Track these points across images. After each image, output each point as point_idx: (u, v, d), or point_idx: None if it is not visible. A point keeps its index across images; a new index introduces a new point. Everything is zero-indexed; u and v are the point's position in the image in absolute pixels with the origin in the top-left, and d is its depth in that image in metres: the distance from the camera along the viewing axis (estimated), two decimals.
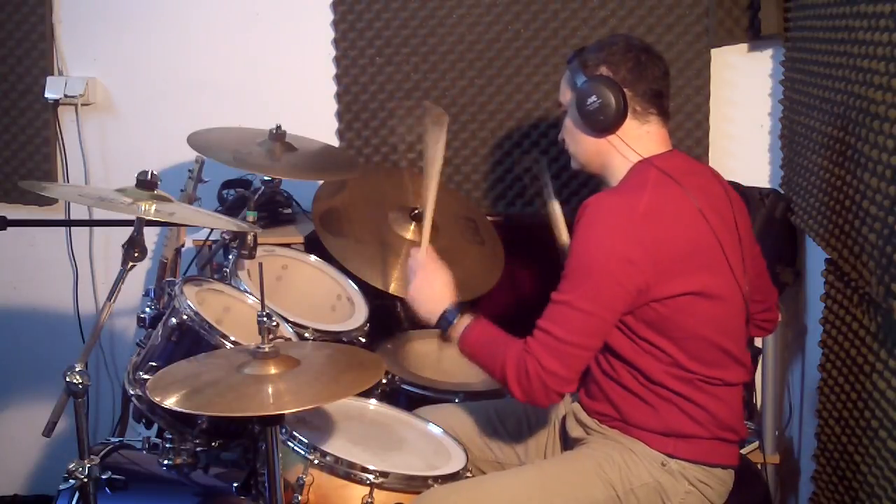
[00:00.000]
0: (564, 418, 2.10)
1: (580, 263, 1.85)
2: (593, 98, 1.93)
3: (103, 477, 1.93)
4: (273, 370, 1.71)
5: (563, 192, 2.95)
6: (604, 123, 1.95)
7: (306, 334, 2.34)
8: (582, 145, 2.01)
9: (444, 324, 2.01)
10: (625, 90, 1.93)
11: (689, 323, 1.88)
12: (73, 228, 3.23)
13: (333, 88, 3.04)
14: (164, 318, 2.22)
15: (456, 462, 2.03)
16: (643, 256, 1.82)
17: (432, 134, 2.17)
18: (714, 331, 1.90)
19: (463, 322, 1.98)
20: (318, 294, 2.62)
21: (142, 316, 2.34)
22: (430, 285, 2.06)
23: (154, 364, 2.13)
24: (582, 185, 2.93)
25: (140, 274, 3.19)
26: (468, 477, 2.00)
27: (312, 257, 2.66)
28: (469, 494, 1.92)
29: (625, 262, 1.82)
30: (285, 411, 1.66)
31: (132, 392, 2.18)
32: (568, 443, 2.08)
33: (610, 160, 1.99)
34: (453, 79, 2.97)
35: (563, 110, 2.04)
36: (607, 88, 1.92)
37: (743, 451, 2.59)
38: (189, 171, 2.67)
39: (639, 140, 1.96)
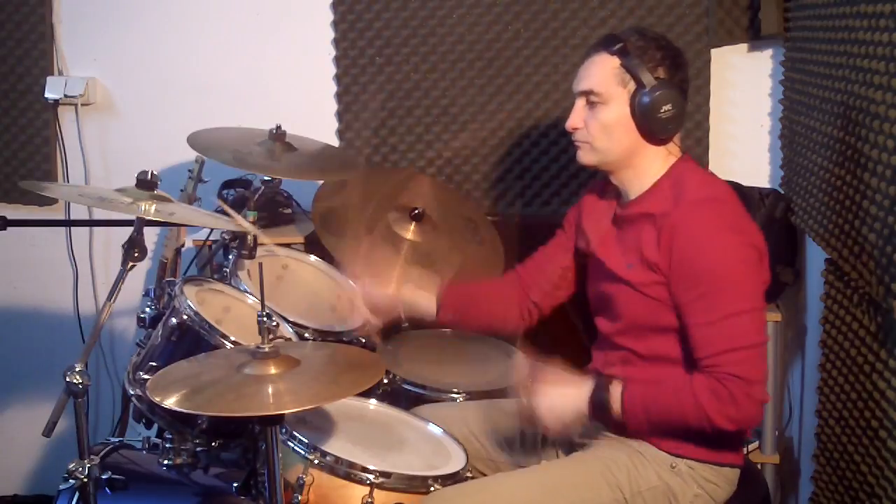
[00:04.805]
0: None
1: (721, 274, 1.82)
2: (668, 107, 1.88)
3: (103, 477, 1.93)
4: (273, 370, 1.71)
5: (563, 192, 2.96)
6: (671, 132, 1.92)
7: (306, 334, 2.34)
8: (622, 144, 1.94)
9: (601, 404, 1.87)
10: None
11: None
12: (73, 228, 3.23)
13: (333, 88, 3.04)
14: (164, 318, 2.21)
15: (456, 462, 2.03)
16: (760, 239, 1.87)
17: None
18: None
19: (615, 393, 1.87)
20: (318, 294, 2.62)
21: (142, 316, 2.34)
22: (556, 395, 1.92)
23: (154, 364, 2.13)
24: (582, 186, 2.93)
25: (140, 274, 3.19)
26: (468, 477, 2.00)
27: (312, 257, 2.66)
28: (475, 497, 1.91)
29: (752, 247, 1.85)
30: (285, 411, 1.66)
31: (132, 392, 2.17)
32: (568, 446, 2.07)
33: (645, 161, 1.96)
34: (453, 79, 2.97)
35: (586, 97, 1.96)
36: (682, 98, 1.90)
37: (743, 452, 2.59)
38: (189, 171, 2.67)
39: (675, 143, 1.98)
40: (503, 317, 2.27)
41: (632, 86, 1.91)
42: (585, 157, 1.99)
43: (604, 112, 1.94)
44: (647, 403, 1.85)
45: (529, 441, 2.15)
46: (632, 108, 1.91)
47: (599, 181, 2.14)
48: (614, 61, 1.92)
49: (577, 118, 1.98)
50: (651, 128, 1.90)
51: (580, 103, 1.98)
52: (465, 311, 2.28)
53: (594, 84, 1.94)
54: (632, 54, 1.90)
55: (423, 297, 2.27)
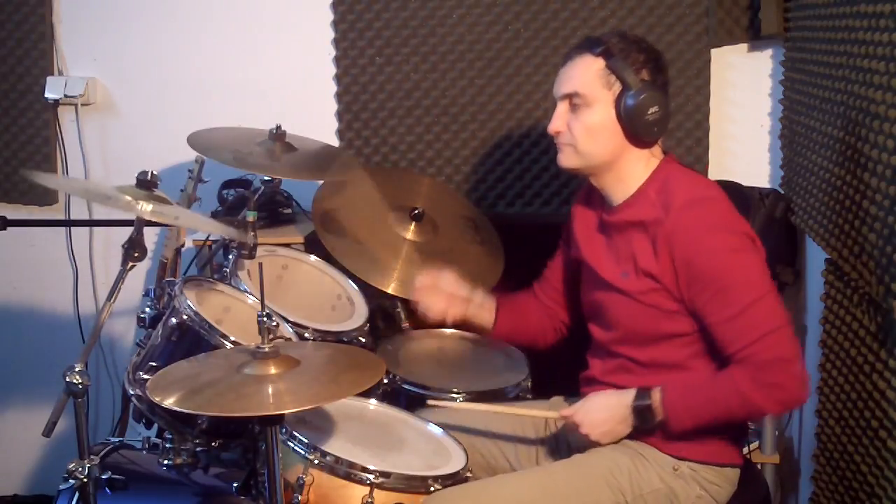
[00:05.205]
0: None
1: (728, 268, 1.83)
2: (654, 109, 1.86)
3: (103, 477, 1.93)
4: (273, 370, 1.71)
5: (563, 192, 2.96)
6: (656, 135, 1.91)
7: (306, 334, 2.34)
8: (606, 147, 1.92)
9: (644, 412, 1.88)
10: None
11: None
12: (72, 228, 3.23)
13: (333, 88, 3.05)
14: (164, 318, 2.21)
15: (456, 462, 2.03)
16: (748, 226, 1.89)
17: None
18: None
19: (655, 398, 1.87)
20: (318, 294, 2.62)
21: (142, 316, 2.34)
22: (599, 408, 1.95)
23: (154, 364, 2.13)
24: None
25: (140, 274, 3.19)
26: (468, 477, 1.99)
27: (312, 257, 2.66)
28: (475, 497, 1.90)
29: (745, 236, 1.87)
30: (285, 411, 1.66)
31: (132, 392, 2.17)
32: (564, 449, 2.07)
33: (628, 165, 1.94)
34: (453, 79, 2.97)
35: (569, 99, 1.93)
36: (666, 98, 1.88)
37: (742, 451, 2.60)
38: (189, 171, 2.67)
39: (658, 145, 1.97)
40: (543, 332, 2.29)
41: (617, 87, 1.89)
42: (567, 160, 1.96)
43: (588, 114, 1.91)
44: (689, 404, 1.86)
45: (528, 443, 2.15)
46: (617, 111, 1.89)
47: (584, 188, 2.13)
48: (599, 63, 1.90)
49: (559, 122, 1.95)
50: (637, 130, 1.89)
51: (562, 107, 1.95)
52: (516, 326, 2.28)
53: (578, 86, 1.92)
54: (616, 56, 1.88)
55: (484, 309, 2.27)
